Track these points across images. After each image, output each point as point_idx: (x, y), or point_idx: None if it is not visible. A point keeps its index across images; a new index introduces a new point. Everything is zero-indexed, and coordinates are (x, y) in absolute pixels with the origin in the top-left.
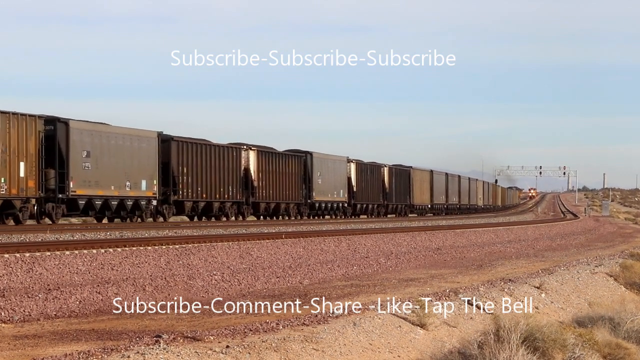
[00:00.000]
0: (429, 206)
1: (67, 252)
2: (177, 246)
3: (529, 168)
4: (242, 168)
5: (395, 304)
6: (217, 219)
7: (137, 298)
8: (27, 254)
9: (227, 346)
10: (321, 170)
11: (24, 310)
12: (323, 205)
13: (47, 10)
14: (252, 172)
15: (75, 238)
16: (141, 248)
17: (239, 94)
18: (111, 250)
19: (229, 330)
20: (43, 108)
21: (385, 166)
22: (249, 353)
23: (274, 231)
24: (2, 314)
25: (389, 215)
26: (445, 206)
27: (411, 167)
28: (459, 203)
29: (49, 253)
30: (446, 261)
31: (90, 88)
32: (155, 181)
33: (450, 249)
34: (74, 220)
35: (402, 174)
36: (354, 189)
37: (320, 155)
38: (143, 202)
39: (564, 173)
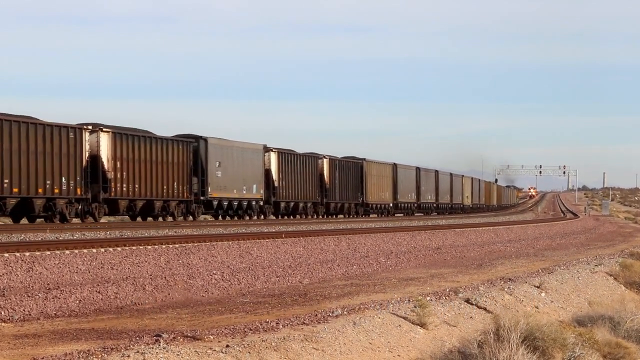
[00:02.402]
0: (391, 205)
1: (67, 252)
2: (177, 245)
3: (529, 167)
4: (87, 155)
5: (395, 303)
6: (49, 221)
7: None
8: (27, 253)
9: (227, 345)
10: (222, 160)
11: (24, 310)
12: (225, 203)
13: (47, 10)
14: (104, 160)
15: (75, 237)
16: (141, 247)
17: (238, 94)
18: (111, 249)
19: (229, 330)
20: (42, 107)
21: (325, 157)
22: (249, 352)
23: (274, 230)
24: (2, 313)
25: (339, 216)
26: (416, 205)
27: (364, 159)
28: (437, 202)
29: (49, 252)
30: (446, 260)
31: (91, 88)
32: None
33: (450, 248)
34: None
35: (350, 167)
36: (275, 184)
37: (220, 142)
38: None
39: (564, 172)
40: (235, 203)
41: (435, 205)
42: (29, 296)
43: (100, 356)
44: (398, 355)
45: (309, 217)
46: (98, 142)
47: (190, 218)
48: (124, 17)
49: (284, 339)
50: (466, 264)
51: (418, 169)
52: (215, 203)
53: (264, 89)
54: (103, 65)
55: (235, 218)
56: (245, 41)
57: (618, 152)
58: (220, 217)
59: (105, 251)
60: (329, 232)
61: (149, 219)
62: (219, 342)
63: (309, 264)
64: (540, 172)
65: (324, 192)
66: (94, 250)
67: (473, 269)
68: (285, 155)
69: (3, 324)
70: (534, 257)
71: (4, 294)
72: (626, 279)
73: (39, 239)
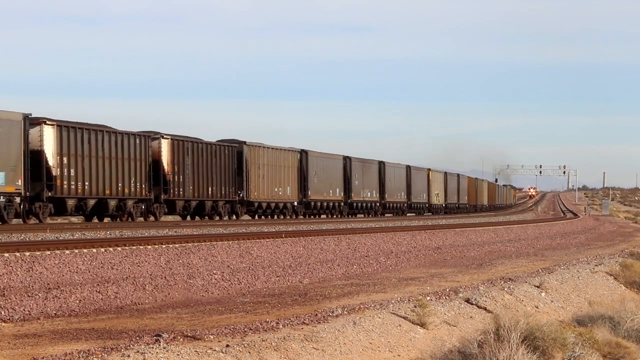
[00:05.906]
0: (296, 203)
1: (67, 251)
2: (177, 245)
3: (529, 167)
4: None
5: (396, 303)
6: None
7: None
8: (27, 253)
9: (227, 345)
10: None
11: (24, 310)
12: None
13: (47, 10)
14: None
15: (75, 237)
16: (141, 247)
17: (238, 94)
18: (111, 249)
19: (229, 329)
20: (44, 106)
21: (163, 137)
22: (249, 352)
23: (274, 230)
24: (3, 313)
25: (216, 219)
26: (344, 203)
27: (244, 142)
28: (383, 200)
29: (49, 252)
30: (446, 260)
31: (90, 87)
32: None
33: (450, 248)
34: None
35: (219, 153)
36: (52, 173)
37: None
38: None
39: (564, 172)
40: None
41: (379, 204)
42: (29, 296)
43: (100, 356)
44: (398, 355)
45: (136, 219)
46: None
47: None
48: (126, 17)
49: (284, 338)
50: (466, 264)
51: (347, 159)
52: None
53: (263, 89)
54: (103, 65)
55: None
56: (246, 41)
57: (618, 152)
58: None
59: (105, 251)
60: (329, 232)
61: None
62: (219, 341)
63: (309, 263)
64: (541, 172)
65: (161, 186)
66: (94, 250)
67: (473, 268)
68: (77, 132)
69: (3, 324)
70: (534, 256)
71: (4, 294)
72: (626, 279)
73: (39, 239)
